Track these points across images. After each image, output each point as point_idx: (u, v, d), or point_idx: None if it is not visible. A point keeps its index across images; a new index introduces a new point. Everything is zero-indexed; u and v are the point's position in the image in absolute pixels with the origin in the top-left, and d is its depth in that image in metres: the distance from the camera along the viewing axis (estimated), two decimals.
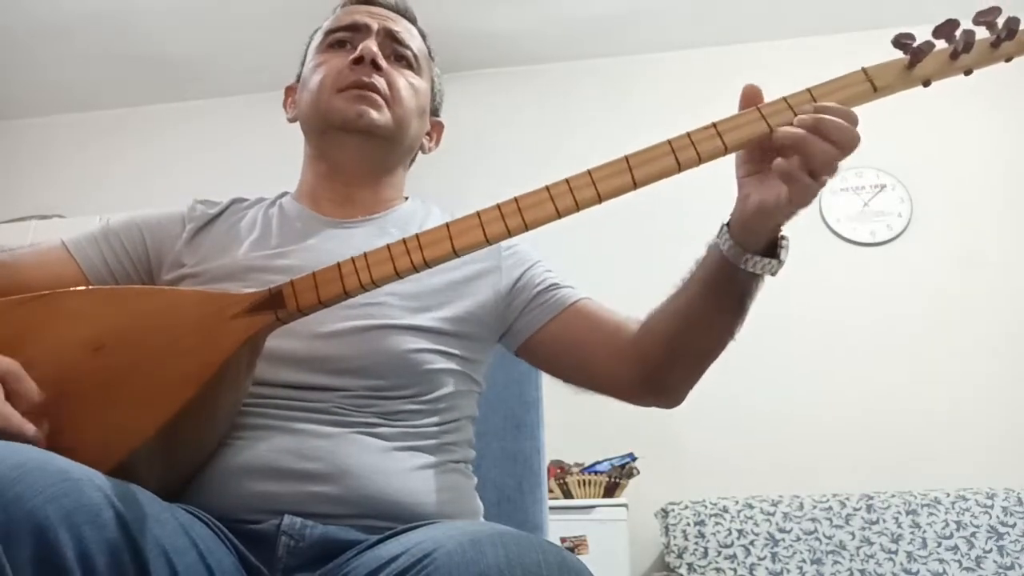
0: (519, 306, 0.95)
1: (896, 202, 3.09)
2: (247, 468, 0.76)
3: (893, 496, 2.48)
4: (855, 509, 2.46)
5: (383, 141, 0.98)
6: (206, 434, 0.77)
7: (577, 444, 2.65)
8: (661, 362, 0.86)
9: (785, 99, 0.71)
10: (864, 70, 0.72)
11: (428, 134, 1.09)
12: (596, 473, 2.65)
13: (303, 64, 1.06)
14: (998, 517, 2.39)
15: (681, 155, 0.70)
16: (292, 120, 1.07)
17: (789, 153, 0.68)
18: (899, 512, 2.43)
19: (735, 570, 2.38)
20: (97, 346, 0.72)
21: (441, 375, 0.88)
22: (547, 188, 0.71)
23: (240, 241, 0.95)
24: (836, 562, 2.36)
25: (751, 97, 0.72)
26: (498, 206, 0.71)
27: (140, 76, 3.56)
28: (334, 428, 0.79)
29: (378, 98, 0.96)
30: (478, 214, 0.71)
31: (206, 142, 3.59)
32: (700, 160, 0.70)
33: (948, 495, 2.46)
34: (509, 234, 0.71)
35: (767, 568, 2.38)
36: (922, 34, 0.71)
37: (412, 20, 1.07)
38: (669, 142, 0.70)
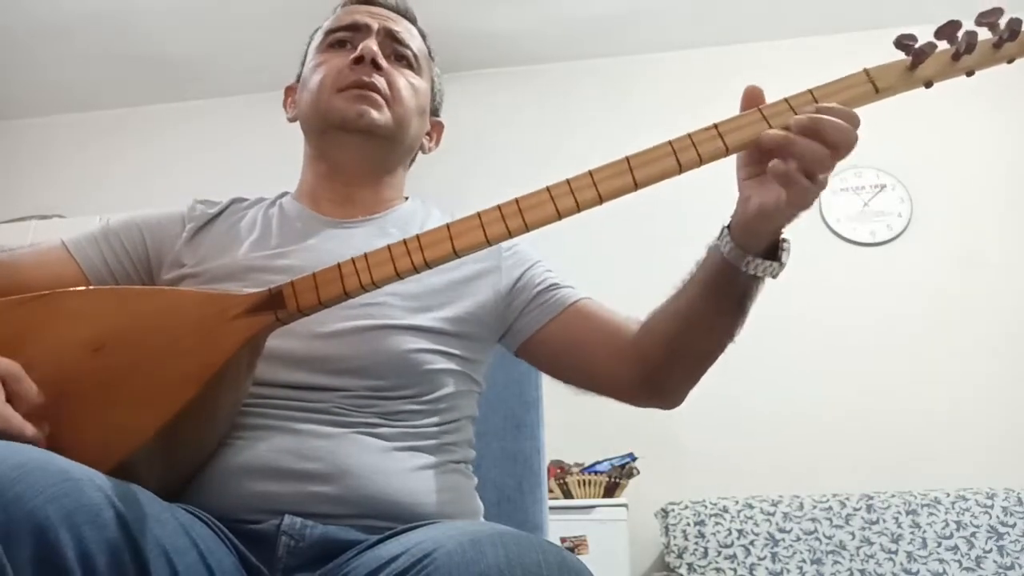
0: (519, 306, 0.95)
1: (896, 202, 3.09)
2: (247, 468, 0.76)
3: (893, 496, 2.48)
4: (855, 509, 2.46)
5: (383, 141, 0.98)
6: (206, 434, 0.77)
7: (577, 444, 2.64)
8: (661, 363, 0.86)
9: (787, 100, 0.71)
10: (866, 71, 0.71)
11: (428, 134, 1.09)
12: (596, 473, 2.65)
13: (303, 64, 1.06)
14: (998, 517, 2.39)
15: (682, 156, 0.69)
16: (292, 120, 1.07)
17: (783, 155, 0.68)
18: (899, 512, 2.43)
19: (735, 570, 2.38)
20: (97, 346, 0.72)
21: (441, 375, 0.88)
22: (548, 189, 0.71)
23: (240, 241, 0.95)
24: (836, 562, 2.36)
25: (753, 98, 0.72)
26: (499, 207, 0.71)
27: (140, 76, 3.56)
28: (334, 428, 0.79)
29: (378, 98, 0.96)
30: (479, 215, 0.71)
31: (206, 142, 3.59)
32: (701, 161, 0.70)
33: (948, 495, 2.46)
34: (510, 235, 0.70)
35: (767, 568, 2.38)
36: (923, 34, 0.71)
37: (412, 20, 1.07)
38: (670, 143, 0.70)
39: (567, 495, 2.63)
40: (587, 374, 0.93)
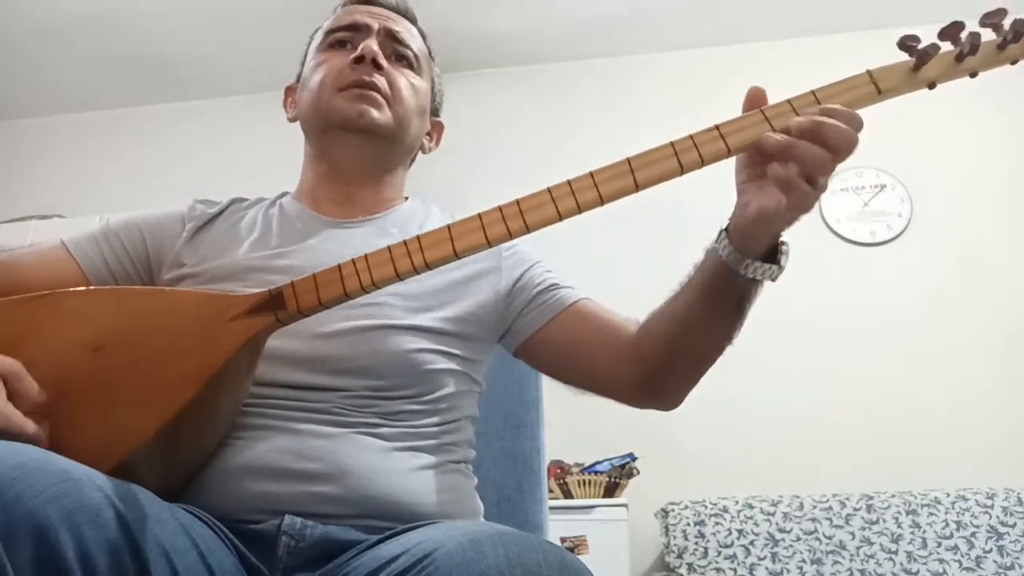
0: (519, 306, 0.95)
1: (896, 202, 3.09)
2: (247, 468, 0.76)
3: (893, 496, 2.48)
4: (855, 509, 2.46)
5: (384, 140, 0.98)
6: (206, 434, 0.77)
7: (577, 444, 2.65)
8: (659, 364, 0.86)
9: (789, 101, 0.70)
10: (869, 72, 0.71)
11: (428, 134, 1.09)
12: (596, 473, 2.65)
13: (303, 64, 1.06)
14: (998, 517, 2.39)
15: (684, 157, 0.69)
16: (292, 120, 1.07)
17: (783, 159, 0.67)
18: (899, 512, 2.43)
19: (735, 570, 2.38)
20: (97, 346, 0.71)
21: (441, 375, 0.88)
22: (549, 190, 0.70)
23: (240, 241, 0.95)
24: (836, 562, 2.36)
25: (755, 99, 0.71)
26: (499, 208, 0.71)
27: (140, 76, 3.56)
28: (334, 428, 0.79)
29: (379, 97, 0.96)
30: (479, 216, 0.71)
31: (206, 142, 3.59)
32: (703, 163, 0.69)
33: (948, 495, 2.46)
34: (511, 236, 0.70)
35: (767, 568, 2.38)
36: (923, 34, 0.70)
37: (412, 20, 1.07)
38: (672, 144, 0.70)
39: (567, 495, 2.63)
40: (586, 375, 0.93)
